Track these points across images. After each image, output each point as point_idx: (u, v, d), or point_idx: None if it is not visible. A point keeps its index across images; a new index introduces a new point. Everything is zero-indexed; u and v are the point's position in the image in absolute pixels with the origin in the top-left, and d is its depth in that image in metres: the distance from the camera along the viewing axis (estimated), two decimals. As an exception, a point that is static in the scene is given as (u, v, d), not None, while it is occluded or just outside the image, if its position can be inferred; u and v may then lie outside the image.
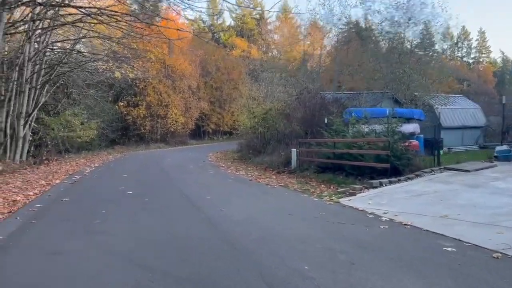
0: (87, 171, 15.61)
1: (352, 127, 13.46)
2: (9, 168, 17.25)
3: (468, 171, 10.92)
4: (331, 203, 8.46)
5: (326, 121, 15.65)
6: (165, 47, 35.04)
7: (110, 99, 30.49)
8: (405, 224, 6.37)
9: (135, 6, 28.23)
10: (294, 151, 15.41)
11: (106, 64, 19.82)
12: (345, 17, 25.13)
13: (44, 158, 20.31)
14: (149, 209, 7.76)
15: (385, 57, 19.68)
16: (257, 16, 56.57)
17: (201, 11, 70.57)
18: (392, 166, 10.83)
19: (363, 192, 9.51)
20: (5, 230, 6.24)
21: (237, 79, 42.75)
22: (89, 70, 21.54)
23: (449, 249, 5.04)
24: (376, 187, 9.81)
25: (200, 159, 21.14)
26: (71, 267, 4.51)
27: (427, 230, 5.98)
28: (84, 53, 20.84)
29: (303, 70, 25.12)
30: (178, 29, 14.30)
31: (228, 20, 56.15)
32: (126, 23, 18.22)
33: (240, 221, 6.57)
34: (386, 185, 9.97)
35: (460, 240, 5.39)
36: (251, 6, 57.15)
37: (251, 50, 49.96)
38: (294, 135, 18.47)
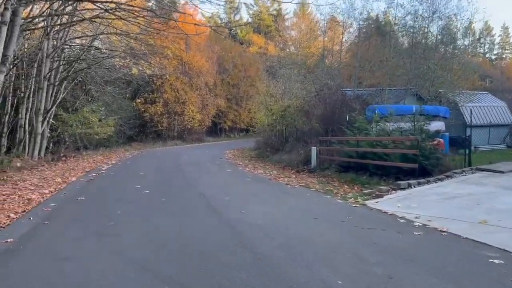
0: (103, 169, 15.40)
1: (375, 125, 12.88)
2: (27, 164, 17.19)
3: (503, 172, 10.24)
4: (357, 205, 7.95)
5: (347, 119, 15.10)
6: (182, 44, 34.85)
7: (127, 96, 30.42)
8: (441, 231, 5.83)
9: (152, 1, 28.11)
10: (314, 150, 14.90)
11: (123, 61, 19.60)
12: (367, 11, 24.34)
13: (61, 154, 20.25)
14: (166, 210, 7.39)
15: (408, 52, 18.94)
16: (274, 12, 55.98)
17: (219, 4, 70.13)
18: (420, 167, 10.25)
19: (391, 194, 8.96)
20: (17, 232, 5.94)
21: (254, 76, 42.29)
22: (107, 67, 21.37)
23: (496, 261, 4.50)
24: (404, 189, 9.25)
25: (217, 157, 20.79)
26: (80, 276, 4.14)
27: (466, 238, 5.44)
28: (101, 50, 20.66)
29: (321, 67, 24.46)
30: (195, 24, 13.85)
31: (245, 16, 55.73)
32: (144, 18, 17.97)
33: (262, 225, 6.13)
34: (414, 187, 9.39)
35: (506, 251, 4.85)
36: (269, 2, 56.59)
37: (268, 46, 49.42)
38: (313, 133, 17.95)
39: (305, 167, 15.49)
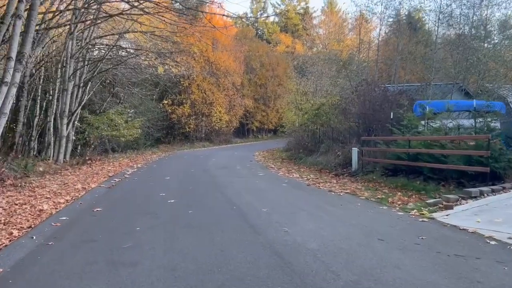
0: (128, 173, 14.32)
1: (427, 122, 11.24)
2: (50, 168, 16.37)
3: None
4: (425, 219, 6.42)
5: (392, 116, 13.48)
6: (209, 43, 33.80)
7: (155, 97, 29.55)
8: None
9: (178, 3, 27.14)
10: (355, 151, 13.36)
11: (148, 59, 18.59)
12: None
13: (87, 158, 19.40)
14: (194, 226, 6.06)
15: (456, 43, 17.06)
16: (302, 11, 54.39)
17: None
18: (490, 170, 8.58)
19: (461, 204, 7.36)
20: (12, 257, 4.75)
21: (282, 75, 40.91)
22: (132, 66, 20.41)
23: None
24: (476, 198, 7.63)
25: (246, 159, 19.48)
26: None
27: None
28: (126, 49, 19.72)
29: (357, 61, 22.77)
30: (224, 15, 12.54)
31: (272, 15, 54.34)
32: (171, 14, 16.94)
33: (316, 250, 4.70)
34: (488, 195, 7.75)
35: None
36: (295, 1, 55.06)
37: (296, 45, 47.90)
38: (351, 133, 16.39)
39: (345, 170, 13.97)
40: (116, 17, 18.08)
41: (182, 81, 32.07)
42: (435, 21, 17.51)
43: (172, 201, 8.21)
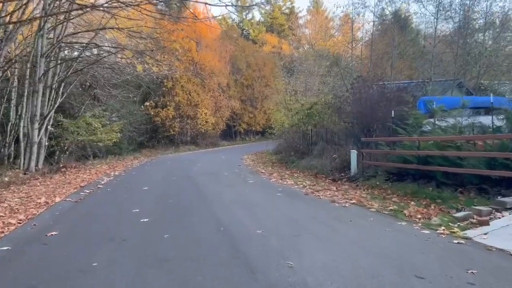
0: (103, 182, 12.74)
1: (436, 120, 9.97)
2: (18, 178, 14.69)
3: None
4: (460, 241, 5.06)
5: (393, 115, 12.20)
6: (193, 42, 32.28)
7: (135, 99, 27.80)
8: None
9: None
10: (353, 153, 12.02)
11: (125, 58, 17.01)
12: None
13: (61, 165, 17.71)
14: (168, 259, 4.58)
15: (456, 35, 15.90)
16: (287, 11, 53.19)
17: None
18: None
19: (497, 218, 6.04)
20: None
21: (269, 76, 39.52)
22: (109, 66, 18.75)
23: None
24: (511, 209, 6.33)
25: (234, 163, 18.02)
26: None
27: None
28: (102, 47, 18.05)
29: (345, 60, 21.61)
30: (205, 3, 11.07)
31: (257, 16, 52.96)
32: (152, 7, 15.44)
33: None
34: (525, 206, 6.46)
35: None
36: (281, 1, 53.82)
37: (282, 45, 46.62)
38: (348, 133, 15.08)
39: (343, 174, 12.62)
40: (92, 11, 16.51)
41: (166, 82, 30.45)
42: (433, 13, 16.38)
43: (146, 220, 6.71)
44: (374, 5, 19.93)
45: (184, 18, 15.67)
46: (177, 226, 6.22)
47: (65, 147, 19.06)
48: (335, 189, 10.13)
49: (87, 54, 19.71)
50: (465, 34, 15.23)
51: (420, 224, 6.05)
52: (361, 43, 20.86)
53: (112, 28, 17.67)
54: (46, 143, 18.34)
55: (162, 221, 6.64)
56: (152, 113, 30.53)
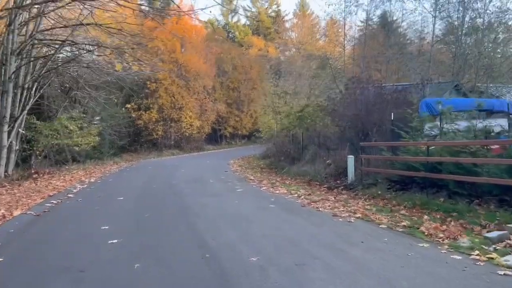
0: (75, 190, 11.40)
1: (445, 123, 8.99)
2: (-20, 187, 13.27)
3: None
4: (508, 272, 4.01)
5: (392, 117, 11.24)
6: (178, 44, 31.02)
7: (117, 101, 26.30)
8: None
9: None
10: (351, 159, 10.98)
11: (104, 55, 15.68)
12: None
13: (33, 171, 16.22)
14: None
15: (450, 39, 15.13)
16: (273, 14, 52.34)
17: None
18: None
19: (538, 238, 5.02)
20: None
21: (256, 79, 38.46)
22: (87, 65, 17.35)
23: None
24: (552, 228, 5.32)
25: (221, 169, 16.82)
26: None
27: None
28: (81, 45, 16.62)
29: (342, 59, 20.72)
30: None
31: (243, 19, 51.95)
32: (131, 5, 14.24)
33: None
34: None
35: None
36: (267, 4, 52.96)
37: (269, 48, 45.65)
38: (342, 137, 14.07)
39: (338, 182, 11.56)
40: (68, 5, 15.19)
41: (149, 84, 29.07)
42: (430, 11, 15.58)
43: (115, 241, 5.47)
44: (368, 3, 19.01)
45: (168, 12, 14.45)
46: (152, 251, 5.00)
47: (39, 152, 17.55)
48: (333, 199, 9.05)
49: (63, 53, 18.29)
50: (462, 33, 14.47)
51: (446, 247, 4.98)
52: (352, 43, 19.94)
53: (90, 24, 16.35)
54: (17, 147, 16.85)
55: (134, 243, 5.42)
56: (134, 116, 29.10)
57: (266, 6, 52.54)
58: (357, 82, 13.21)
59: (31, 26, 16.52)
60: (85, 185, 12.57)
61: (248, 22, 51.12)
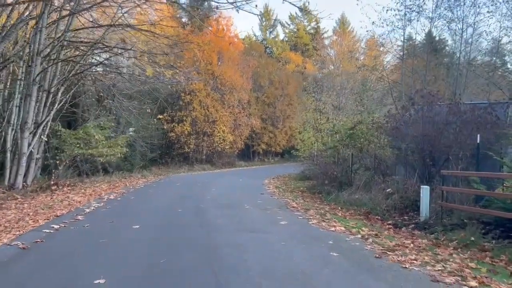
0: (87, 210, 9.47)
1: None
2: (-8, 197, 11.70)
3: None
4: None
5: (478, 140, 8.73)
6: (215, 56, 29.47)
7: (150, 112, 24.82)
8: None
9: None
10: (426, 191, 8.51)
11: (133, 57, 14.02)
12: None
13: (52, 182, 14.60)
14: None
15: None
16: (312, 31, 50.40)
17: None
18: None
19: None
20: None
21: (292, 95, 36.38)
22: (116, 70, 15.76)
23: None
24: None
25: (255, 190, 14.61)
26: None
27: None
28: (111, 48, 15.07)
29: (403, 70, 18.33)
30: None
31: (281, 33, 50.26)
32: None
33: None
34: None
35: None
36: (305, 20, 51.14)
37: (306, 65, 43.56)
38: (402, 162, 11.62)
39: (405, 218, 9.10)
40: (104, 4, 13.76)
41: (183, 96, 27.55)
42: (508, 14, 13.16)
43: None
44: (432, 10, 16.60)
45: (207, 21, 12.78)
46: None
47: (62, 161, 15.95)
48: (411, 245, 6.61)
49: (93, 57, 16.85)
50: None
51: None
52: (401, 57, 17.50)
53: (123, 25, 14.81)
54: (38, 156, 15.33)
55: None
56: (167, 127, 27.54)
57: (305, 23, 50.71)
58: (428, 96, 10.76)
59: (61, 26, 15.21)
60: (102, 203, 10.64)
61: (286, 38, 49.40)
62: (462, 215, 7.88)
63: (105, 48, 15.39)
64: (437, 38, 29.41)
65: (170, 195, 12.67)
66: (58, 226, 7.43)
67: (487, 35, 15.96)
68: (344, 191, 12.19)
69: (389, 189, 10.35)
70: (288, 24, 51.01)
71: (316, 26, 50.54)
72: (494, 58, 16.33)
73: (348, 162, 13.55)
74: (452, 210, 8.26)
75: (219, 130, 28.88)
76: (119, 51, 14.47)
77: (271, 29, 48.47)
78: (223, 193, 13.45)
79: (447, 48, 30.99)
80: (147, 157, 25.21)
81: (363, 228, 7.69)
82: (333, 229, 7.61)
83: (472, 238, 6.82)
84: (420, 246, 6.57)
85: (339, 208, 10.70)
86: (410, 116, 11.29)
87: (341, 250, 5.93)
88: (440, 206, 8.01)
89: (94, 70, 15.93)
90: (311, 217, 8.88)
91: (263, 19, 47.78)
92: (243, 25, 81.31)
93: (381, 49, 20.24)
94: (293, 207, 10.50)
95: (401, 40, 17.70)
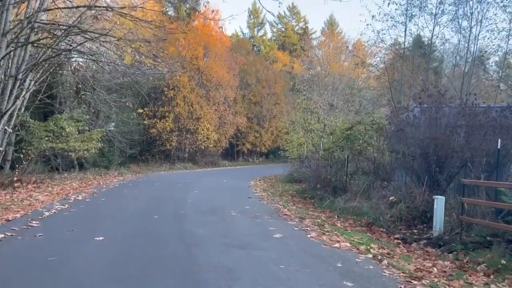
0: (46, 214, 7.99)
1: None
2: None
3: None
4: None
5: (499, 145, 7.66)
6: (201, 50, 27.99)
7: (131, 106, 23.16)
8: None
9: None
10: (440, 202, 7.37)
11: (109, 41, 12.49)
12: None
13: (15, 179, 12.95)
14: None
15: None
16: (300, 31, 49.33)
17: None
18: None
19: None
20: None
21: (280, 94, 35.21)
22: (91, 56, 14.20)
23: None
24: None
25: (242, 192, 13.31)
26: None
27: None
28: (87, 32, 13.48)
29: (404, 66, 17.34)
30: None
31: (269, 33, 48.95)
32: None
33: None
34: None
35: None
36: (294, 20, 50.08)
37: (294, 64, 42.41)
38: (401, 167, 10.53)
39: (414, 231, 7.96)
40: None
41: (167, 91, 26.02)
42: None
43: None
44: (436, 6, 15.63)
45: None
46: None
47: (26, 155, 14.26)
48: (433, 268, 5.43)
49: (68, 42, 15.20)
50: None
51: None
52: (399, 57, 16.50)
53: (102, 8, 13.30)
54: (1, 148, 13.64)
55: None
56: (148, 123, 25.95)
57: (293, 23, 49.63)
58: (435, 96, 9.66)
59: (32, 5, 13.56)
60: (66, 205, 9.14)
61: (274, 37, 48.22)
62: (484, 231, 6.78)
63: (81, 33, 13.79)
64: (426, 43, 28.75)
65: (146, 197, 11.22)
66: (3, 236, 5.96)
67: (498, 33, 15.03)
68: (339, 197, 11.01)
69: (392, 197, 9.20)
70: (276, 23, 49.84)
71: (304, 27, 49.55)
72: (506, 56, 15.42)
73: (343, 166, 12.38)
74: (470, 225, 7.15)
75: (203, 127, 27.44)
76: (96, 36, 12.88)
77: (259, 27, 47.20)
78: (206, 196, 12.09)
79: (436, 53, 30.38)
80: (126, 153, 23.62)
81: (372, 245, 6.47)
82: (337, 245, 6.37)
83: (503, 261, 5.69)
84: (445, 271, 5.40)
85: (336, 216, 9.49)
86: (414, 118, 10.18)
87: (355, 277, 4.68)
88: (460, 221, 6.87)
89: (72, 58, 14.30)
90: (308, 229, 7.62)
91: (251, 16, 46.50)
92: (231, 22, 79.89)
93: (381, 45, 19.23)
94: (286, 214, 9.22)
95: (402, 36, 16.69)
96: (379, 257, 5.76)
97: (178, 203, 10.18)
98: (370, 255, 5.85)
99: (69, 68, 20.45)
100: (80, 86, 19.52)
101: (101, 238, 6.01)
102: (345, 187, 11.58)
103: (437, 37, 16.61)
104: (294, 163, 18.65)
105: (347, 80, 27.34)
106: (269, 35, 48.49)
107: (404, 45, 16.71)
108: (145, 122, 25.58)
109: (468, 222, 6.82)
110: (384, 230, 8.07)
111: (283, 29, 49.26)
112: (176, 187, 14.11)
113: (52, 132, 15.45)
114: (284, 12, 49.01)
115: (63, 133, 15.30)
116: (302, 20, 49.94)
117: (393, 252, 6.24)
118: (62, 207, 8.96)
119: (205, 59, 29.02)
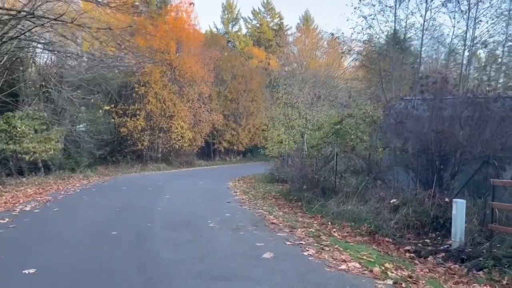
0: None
1: None
2: None
3: None
4: None
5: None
6: (173, 44, 26.15)
7: (93, 101, 21.11)
8: None
9: None
10: (461, 206, 6.08)
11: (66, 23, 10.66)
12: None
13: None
14: None
15: None
16: (275, 27, 48.00)
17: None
18: None
19: None
20: None
21: (256, 90, 33.79)
22: (43, 42, 12.29)
23: None
24: None
25: (220, 196, 11.76)
26: None
27: None
28: (39, 18, 11.60)
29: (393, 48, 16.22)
30: None
31: (244, 29, 47.33)
32: None
33: None
34: None
35: None
36: (269, 16, 48.73)
37: (270, 61, 41.06)
38: (399, 164, 9.27)
39: (428, 241, 6.67)
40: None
41: (137, 87, 24.11)
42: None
43: None
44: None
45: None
46: None
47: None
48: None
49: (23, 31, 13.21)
50: None
51: None
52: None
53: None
54: None
55: None
56: (118, 122, 23.97)
57: (268, 19, 48.24)
58: (443, 82, 8.43)
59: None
60: (6, 219, 7.36)
61: (249, 33, 46.69)
62: (514, 241, 5.54)
63: (32, 18, 11.85)
64: (402, 37, 27.86)
65: (108, 205, 9.49)
66: None
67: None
68: (330, 199, 9.65)
69: (394, 200, 7.90)
70: (251, 19, 48.32)
71: (279, 22, 48.23)
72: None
73: (331, 163, 11.04)
74: (492, 233, 5.90)
75: (177, 126, 25.67)
76: (48, 21, 11.01)
77: (234, 23, 45.54)
78: (180, 202, 10.49)
79: (411, 48, 29.62)
80: (95, 154, 21.62)
81: (386, 265, 5.09)
82: (343, 266, 4.95)
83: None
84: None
85: (330, 223, 8.13)
86: (414, 108, 8.93)
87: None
88: (490, 230, 5.60)
89: (28, 51, 12.34)
90: (303, 242, 6.18)
91: (225, 11, 44.82)
92: (205, 18, 77.77)
93: (369, 30, 17.88)
94: (273, 223, 7.75)
95: (391, 21, 15.52)
96: (403, 284, 4.38)
97: (145, 213, 8.54)
98: (389, 282, 4.46)
99: (31, 63, 18.44)
100: (43, 83, 17.59)
101: (31, 271, 4.37)
102: (335, 187, 10.24)
103: (429, 22, 15.44)
104: (275, 162, 17.27)
105: (329, 72, 26.09)
106: (243, 31, 46.96)
107: (394, 30, 15.45)
108: (113, 120, 23.62)
109: (504, 232, 5.54)
110: (390, 240, 6.75)
111: (258, 25, 47.83)
112: (146, 192, 12.40)
113: (4, 132, 13.44)
114: (259, 8, 47.68)
115: (15, 133, 13.31)
116: (277, 16, 48.60)
117: (414, 274, 4.88)
118: (1, 221, 7.18)
119: (178, 54, 27.20)
